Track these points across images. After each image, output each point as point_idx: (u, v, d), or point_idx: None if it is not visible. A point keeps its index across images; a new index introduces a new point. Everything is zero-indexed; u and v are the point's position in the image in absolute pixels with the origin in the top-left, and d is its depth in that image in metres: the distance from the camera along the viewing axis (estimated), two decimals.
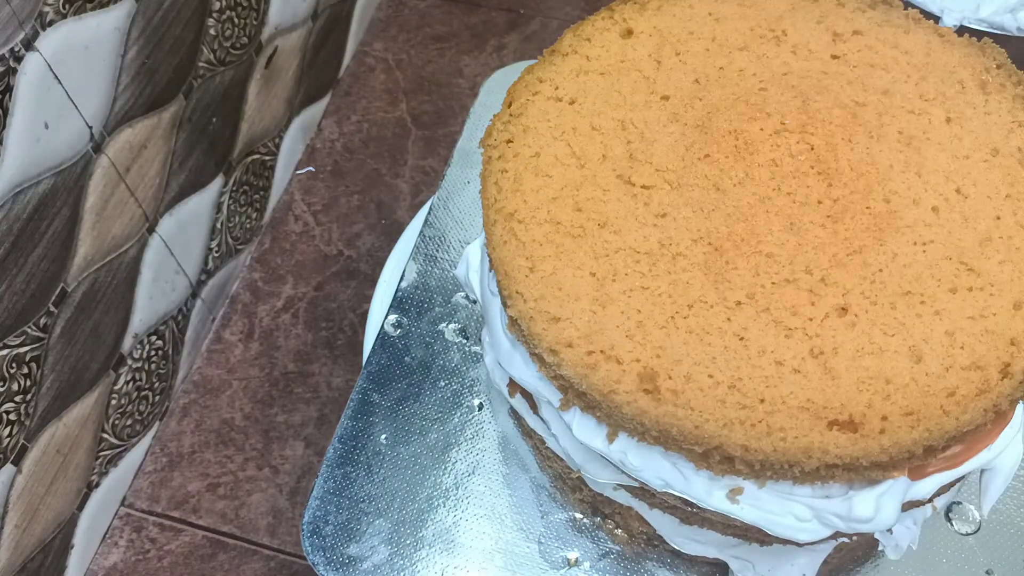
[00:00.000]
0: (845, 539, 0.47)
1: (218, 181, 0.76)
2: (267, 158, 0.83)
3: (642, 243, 0.45)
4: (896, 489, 0.42)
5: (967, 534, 0.54)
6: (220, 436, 0.73)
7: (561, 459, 0.51)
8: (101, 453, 0.67)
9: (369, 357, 0.61)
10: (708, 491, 0.43)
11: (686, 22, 0.52)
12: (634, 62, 0.51)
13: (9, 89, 0.52)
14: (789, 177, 0.46)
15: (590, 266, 0.44)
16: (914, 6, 0.59)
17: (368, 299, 0.77)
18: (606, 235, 0.45)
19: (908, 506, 0.45)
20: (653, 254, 0.44)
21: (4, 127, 0.52)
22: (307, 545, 0.54)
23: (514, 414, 0.56)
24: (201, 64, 0.70)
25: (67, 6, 0.55)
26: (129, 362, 0.69)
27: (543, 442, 0.52)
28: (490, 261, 0.46)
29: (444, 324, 0.62)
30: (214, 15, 0.70)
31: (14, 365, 0.57)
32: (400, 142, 0.88)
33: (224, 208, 0.78)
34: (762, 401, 0.41)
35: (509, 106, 0.50)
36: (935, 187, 0.46)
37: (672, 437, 0.41)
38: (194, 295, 0.76)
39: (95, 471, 0.67)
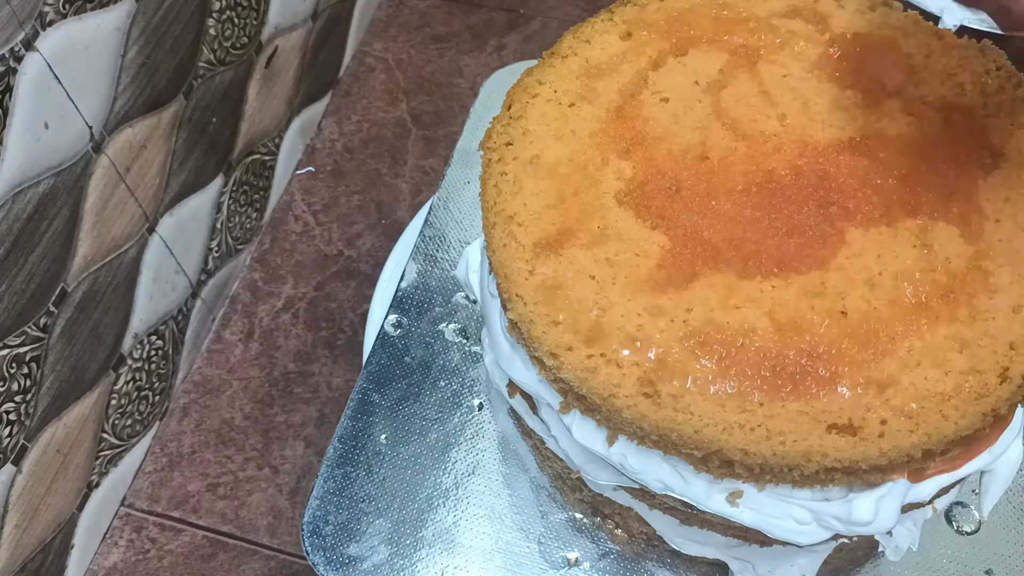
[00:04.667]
0: (845, 540, 0.47)
1: (218, 181, 0.76)
2: (267, 158, 0.83)
3: (642, 246, 0.45)
4: (896, 491, 0.42)
5: (967, 534, 0.54)
6: (220, 436, 0.73)
7: (561, 459, 0.51)
8: (101, 453, 0.67)
9: (369, 357, 0.61)
10: (708, 494, 0.43)
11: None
12: (634, 64, 0.51)
13: (9, 89, 0.52)
14: (789, 180, 0.46)
15: (590, 269, 0.44)
16: (914, 6, 0.59)
17: (368, 299, 0.77)
18: (606, 238, 0.45)
19: (908, 508, 0.45)
20: (653, 257, 0.44)
21: (4, 127, 0.52)
22: (307, 545, 0.54)
23: (514, 414, 0.56)
24: (201, 64, 0.70)
25: (67, 6, 0.55)
26: (129, 362, 0.69)
27: (543, 442, 0.52)
28: (490, 264, 0.46)
29: (444, 324, 0.62)
30: (214, 15, 0.70)
31: (14, 365, 0.57)
32: (400, 142, 0.88)
33: (224, 208, 0.78)
34: (761, 405, 0.41)
35: (508, 108, 0.50)
36: (935, 190, 0.46)
37: (672, 441, 0.41)
38: (194, 295, 0.76)
39: (95, 471, 0.67)
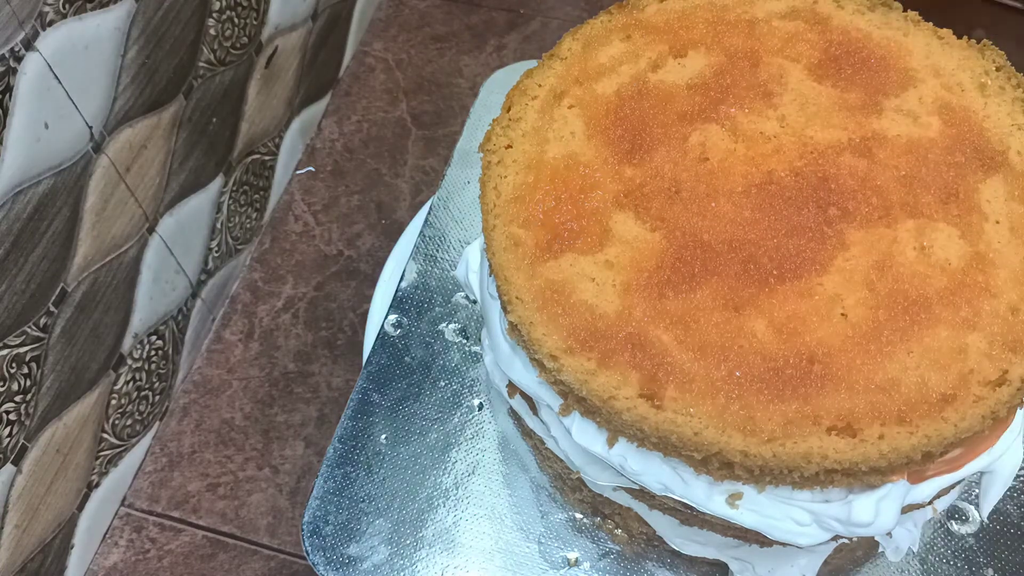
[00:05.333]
0: (845, 541, 0.47)
1: (218, 181, 0.76)
2: (267, 158, 0.83)
3: (642, 248, 0.45)
4: (896, 493, 0.42)
5: (967, 534, 0.54)
6: (220, 436, 0.73)
7: (561, 459, 0.51)
8: (101, 453, 0.67)
9: (369, 357, 0.61)
10: (708, 496, 0.43)
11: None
12: (633, 66, 0.51)
13: (9, 89, 0.52)
14: (789, 181, 0.46)
15: (590, 272, 0.44)
16: None
17: (368, 299, 0.77)
18: (606, 240, 0.45)
19: (908, 509, 0.45)
20: (653, 259, 0.44)
21: (4, 127, 0.52)
22: (307, 545, 0.54)
23: (514, 414, 0.56)
24: (201, 64, 0.70)
25: (67, 6, 0.55)
26: (129, 362, 0.69)
27: (543, 442, 0.52)
28: (490, 266, 0.46)
29: (444, 324, 0.62)
30: (214, 15, 0.70)
31: (14, 365, 0.57)
32: (400, 142, 0.88)
33: (224, 208, 0.78)
34: (761, 407, 0.41)
35: (508, 111, 0.50)
36: (934, 191, 0.46)
37: (672, 443, 0.41)
38: (194, 295, 0.76)
39: (95, 471, 0.67)
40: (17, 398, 0.58)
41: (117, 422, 0.69)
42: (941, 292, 0.43)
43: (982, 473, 0.48)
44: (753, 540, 0.49)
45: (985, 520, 0.54)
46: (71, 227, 0.60)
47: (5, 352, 0.56)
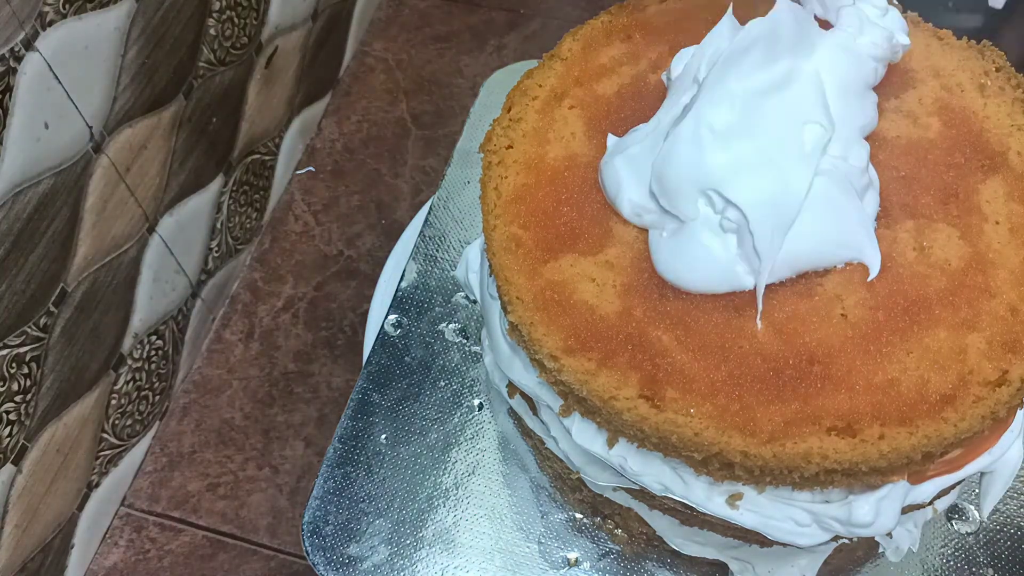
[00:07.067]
0: (845, 541, 0.47)
1: (218, 181, 0.76)
2: (267, 158, 0.83)
3: (644, 249, 0.45)
4: (896, 493, 0.42)
5: (967, 534, 0.54)
6: (220, 436, 0.73)
7: (561, 459, 0.51)
8: (101, 453, 0.67)
9: (369, 357, 0.61)
10: (708, 496, 0.43)
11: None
12: (634, 66, 0.51)
13: (9, 89, 0.52)
14: None
15: (591, 272, 0.44)
16: None
17: (368, 299, 0.77)
18: (607, 241, 0.45)
19: (908, 509, 0.45)
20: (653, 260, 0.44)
21: (4, 127, 0.52)
22: (307, 545, 0.54)
23: (514, 414, 0.56)
24: (201, 64, 0.70)
25: (67, 6, 0.55)
26: (129, 362, 0.69)
27: (543, 442, 0.52)
28: (490, 266, 0.46)
29: (444, 324, 0.62)
30: (214, 15, 0.70)
31: (14, 365, 0.57)
32: (400, 142, 0.88)
33: (224, 208, 0.78)
34: (761, 407, 0.41)
35: (508, 111, 0.50)
36: (934, 192, 0.46)
37: (672, 444, 0.41)
38: (194, 295, 0.76)
39: (95, 471, 0.67)
40: (17, 398, 0.58)
41: (117, 422, 0.69)
42: (941, 293, 0.43)
43: (982, 473, 0.48)
44: (753, 540, 0.49)
45: (985, 520, 0.54)
46: (71, 227, 0.60)
47: (5, 352, 0.56)
